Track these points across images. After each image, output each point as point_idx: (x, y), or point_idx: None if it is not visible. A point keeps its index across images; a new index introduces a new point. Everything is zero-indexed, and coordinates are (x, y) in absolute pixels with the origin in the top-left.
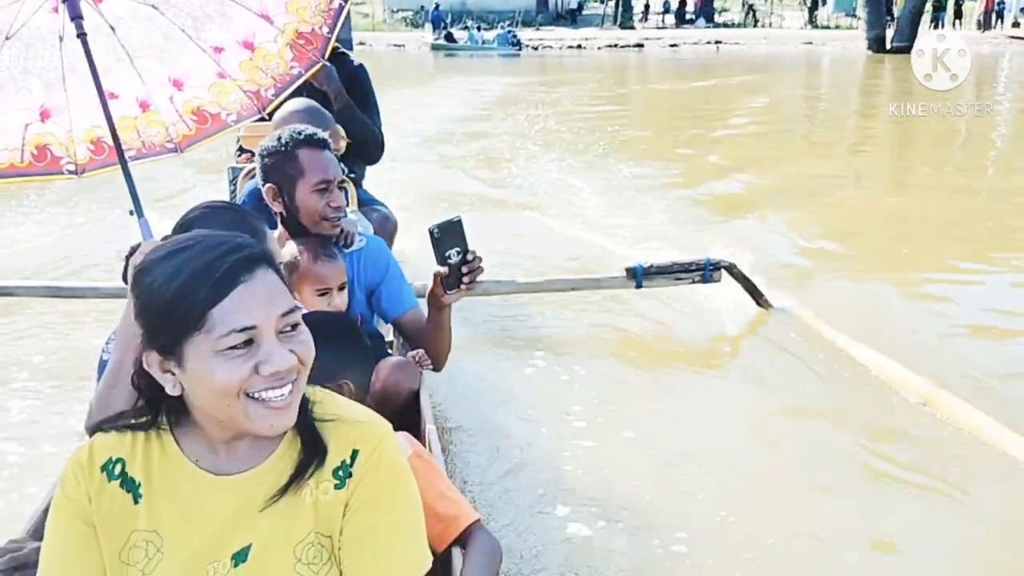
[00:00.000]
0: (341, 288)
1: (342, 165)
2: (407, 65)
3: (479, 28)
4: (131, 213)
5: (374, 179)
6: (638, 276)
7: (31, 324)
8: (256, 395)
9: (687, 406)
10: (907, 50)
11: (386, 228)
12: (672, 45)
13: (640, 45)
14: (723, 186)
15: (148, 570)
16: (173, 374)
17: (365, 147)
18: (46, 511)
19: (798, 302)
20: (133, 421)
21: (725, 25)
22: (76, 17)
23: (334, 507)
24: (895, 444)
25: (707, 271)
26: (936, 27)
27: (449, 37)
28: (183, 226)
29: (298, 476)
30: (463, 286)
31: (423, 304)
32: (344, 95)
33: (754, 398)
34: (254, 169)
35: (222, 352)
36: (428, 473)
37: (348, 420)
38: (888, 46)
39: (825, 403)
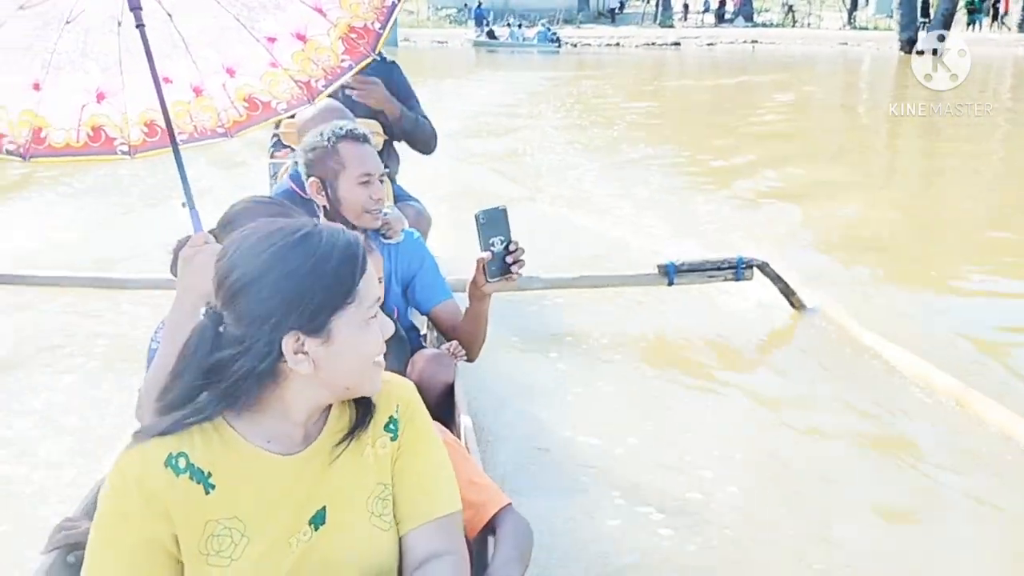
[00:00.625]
0: (379, 280)
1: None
2: (449, 60)
3: (520, 26)
4: (183, 205)
5: (406, 173)
6: (670, 273)
7: (76, 310)
8: (377, 360)
9: (716, 405)
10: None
11: (420, 223)
12: (709, 44)
13: (677, 44)
14: (752, 183)
15: (236, 555)
16: (307, 354)
17: (424, 144)
18: (98, 491)
19: (830, 302)
20: (191, 419)
21: (764, 25)
22: (135, 8)
23: (390, 456)
24: (928, 447)
25: (739, 269)
26: (973, 29)
27: (491, 34)
28: (227, 221)
29: (358, 426)
30: (506, 275)
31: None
32: (398, 106)
33: (783, 398)
34: (290, 165)
35: (368, 321)
36: (457, 460)
37: (385, 382)
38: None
39: (856, 405)
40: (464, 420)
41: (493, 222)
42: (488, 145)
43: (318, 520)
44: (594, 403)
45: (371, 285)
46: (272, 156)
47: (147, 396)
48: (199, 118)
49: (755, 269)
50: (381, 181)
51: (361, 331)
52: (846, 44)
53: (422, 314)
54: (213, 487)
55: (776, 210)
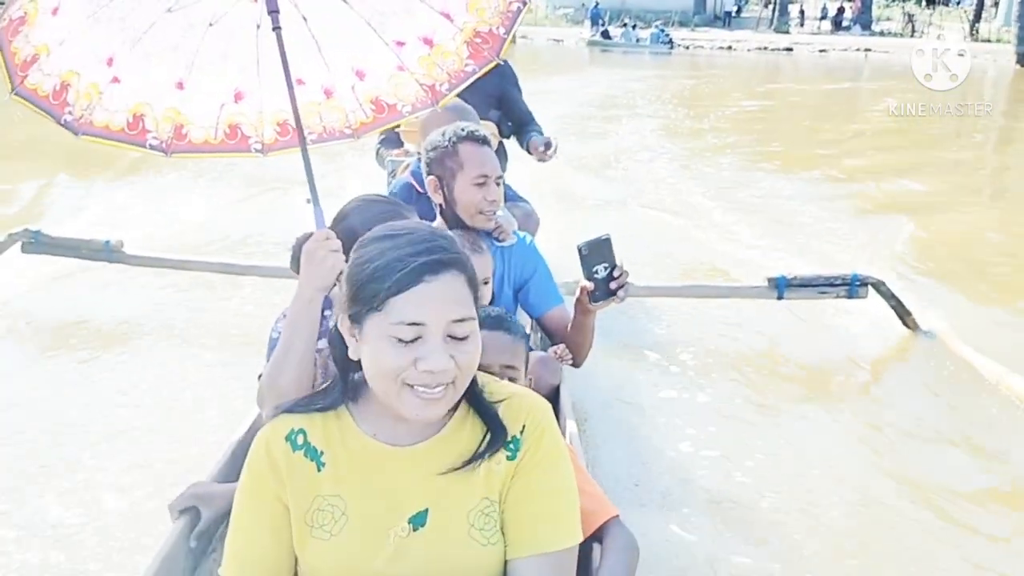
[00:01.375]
0: (485, 282)
1: None
2: (563, 57)
3: (635, 26)
4: (308, 202)
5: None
6: (780, 287)
7: (208, 295)
8: (411, 384)
9: (818, 428)
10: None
11: (529, 224)
12: (821, 50)
13: (789, 49)
14: (858, 193)
15: (335, 531)
16: (356, 340)
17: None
18: (226, 463)
19: (947, 326)
20: (318, 404)
21: (881, 34)
22: (272, 11)
23: (505, 475)
24: None
25: (853, 287)
26: None
27: (605, 34)
28: (341, 217)
29: (483, 454)
30: (611, 299)
31: (567, 301)
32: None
33: (892, 428)
34: (412, 162)
35: (391, 338)
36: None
37: (517, 397)
38: None
39: (970, 439)
40: (569, 425)
41: (596, 251)
42: (587, 143)
43: (418, 521)
44: (695, 417)
45: (408, 307)
46: (378, 153)
47: (267, 383)
48: (328, 119)
49: (870, 287)
50: (498, 184)
51: (383, 343)
52: (962, 55)
53: (532, 318)
54: (324, 465)
55: (889, 224)
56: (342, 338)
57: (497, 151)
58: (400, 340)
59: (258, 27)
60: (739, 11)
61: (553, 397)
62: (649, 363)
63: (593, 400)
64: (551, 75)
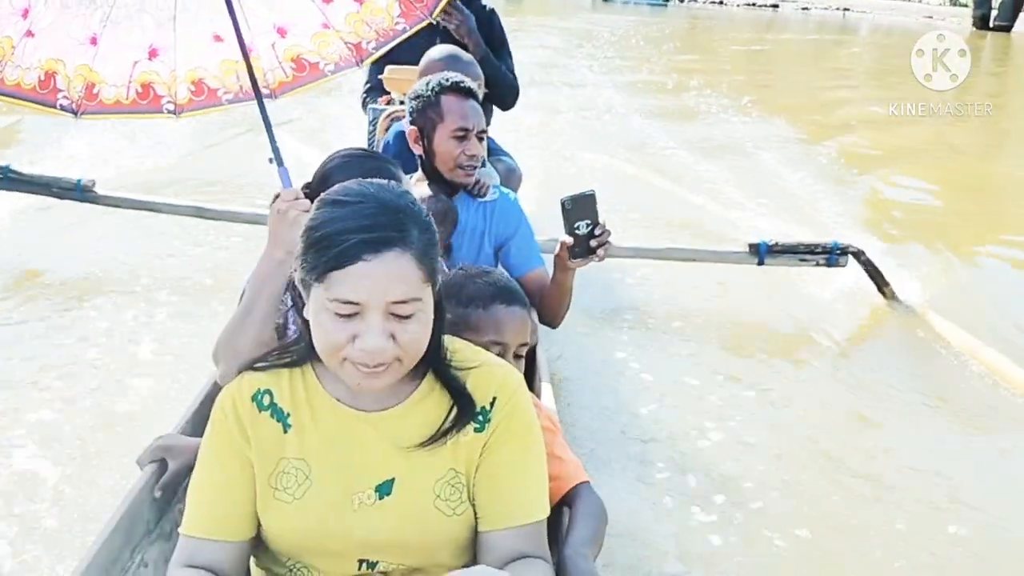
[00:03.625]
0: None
1: None
2: (568, 6)
3: None
4: (270, 161)
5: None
6: (761, 253)
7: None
8: (350, 359)
9: (791, 394)
10: (1006, 29)
11: (511, 180)
12: (804, 8)
13: (776, 6)
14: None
15: (299, 495)
16: (305, 302)
17: (500, 94)
18: (191, 416)
19: (925, 296)
20: (285, 360)
21: None
22: None
23: (472, 447)
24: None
25: (833, 255)
26: None
27: None
28: (322, 173)
29: (450, 431)
30: (590, 256)
31: (548, 261)
32: (482, 46)
33: (863, 392)
34: (395, 112)
35: (329, 312)
36: (543, 436)
37: (488, 366)
38: (991, 24)
39: (942, 410)
40: (545, 387)
41: (580, 207)
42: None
43: (384, 490)
44: (668, 379)
45: (346, 286)
46: (364, 103)
47: (224, 342)
48: (244, 77)
49: (850, 256)
50: (480, 139)
51: (323, 315)
52: (930, 18)
53: (512, 277)
54: (290, 427)
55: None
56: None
57: (482, 103)
58: (338, 315)
59: None
60: None
61: (529, 358)
62: (624, 326)
63: (567, 362)
64: (556, 19)
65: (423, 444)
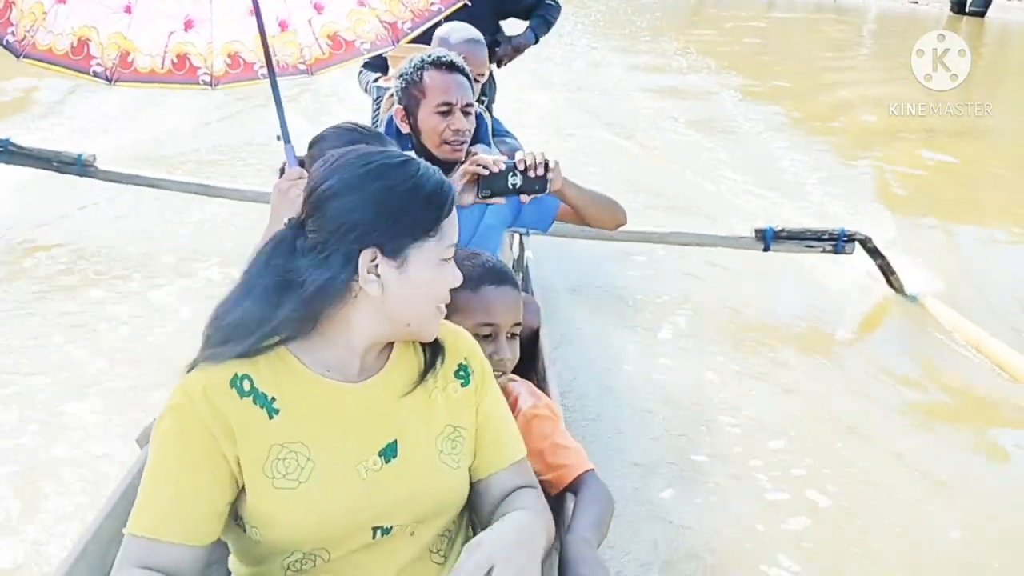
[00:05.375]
0: None
1: (481, 93)
2: None
3: None
4: (278, 138)
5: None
6: (767, 238)
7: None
8: (440, 305)
9: (794, 385)
10: (981, 14)
11: None
12: None
13: None
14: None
15: (303, 478)
16: (379, 276)
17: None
18: None
19: (933, 287)
20: (261, 342)
21: None
22: None
23: (465, 402)
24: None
25: (840, 242)
26: None
27: None
28: (313, 144)
29: (431, 367)
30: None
31: None
32: (525, 38)
33: (869, 385)
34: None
35: (441, 261)
36: (544, 424)
37: (450, 329)
38: (967, 10)
39: (948, 407)
40: (550, 373)
41: (490, 184)
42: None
43: (389, 453)
44: (669, 364)
45: (453, 228)
46: (360, 77)
47: (215, 319)
48: (282, 52)
49: (856, 244)
50: (466, 113)
51: (435, 269)
52: (916, 3)
53: (544, 230)
54: (277, 412)
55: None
56: (348, 273)
57: (488, 81)
58: (447, 261)
59: None
60: None
61: (533, 340)
62: (628, 311)
63: (569, 346)
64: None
65: (414, 387)
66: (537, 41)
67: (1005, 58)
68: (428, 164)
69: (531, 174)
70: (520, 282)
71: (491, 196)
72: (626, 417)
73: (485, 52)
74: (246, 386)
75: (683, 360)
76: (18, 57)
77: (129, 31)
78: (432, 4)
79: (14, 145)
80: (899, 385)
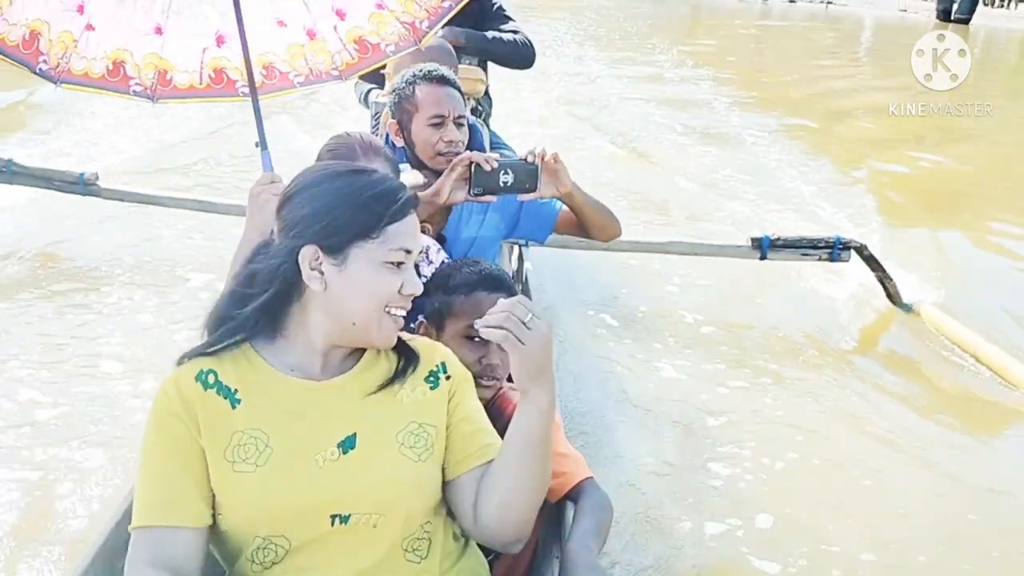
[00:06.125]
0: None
1: (475, 104)
2: None
3: None
4: (256, 145)
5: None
6: (764, 247)
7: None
8: (390, 310)
9: (794, 396)
10: (965, 21)
11: None
12: (791, 1)
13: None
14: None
15: (260, 462)
16: (322, 273)
17: (514, 60)
18: None
19: (930, 295)
20: (218, 345)
21: None
22: None
23: (434, 402)
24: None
25: (836, 250)
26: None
27: None
28: (319, 157)
29: (401, 374)
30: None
31: None
32: (463, 33)
33: (864, 396)
34: None
35: (385, 264)
36: None
37: (421, 340)
38: (952, 17)
39: (947, 416)
40: None
41: (479, 179)
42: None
43: (347, 444)
44: (665, 375)
45: (404, 235)
46: (356, 88)
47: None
48: (314, 61)
49: (852, 251)
50: (459, 125)
51: (376, 270)
52: (905, 11)
53: (541, 242)
54: (239, 402)
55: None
56: (291, 269)
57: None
58: (393, 265)
59: None
60: None
61: None
62: (626, 321)
63: (566, 355)
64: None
65: (380, 388)
66: (480, 49)
67: (993, 62)
68: (386, 175)
69: (529, 159)
70: (519, 292)
71: (483, 194)
72: (625, 426)
73: (455, 59)
74: (211, 379)
75: (682, 369)
76: (56, 84)
77: (163, 51)
78: (444, 1)
79: (17, 165)
80: (897, 394)
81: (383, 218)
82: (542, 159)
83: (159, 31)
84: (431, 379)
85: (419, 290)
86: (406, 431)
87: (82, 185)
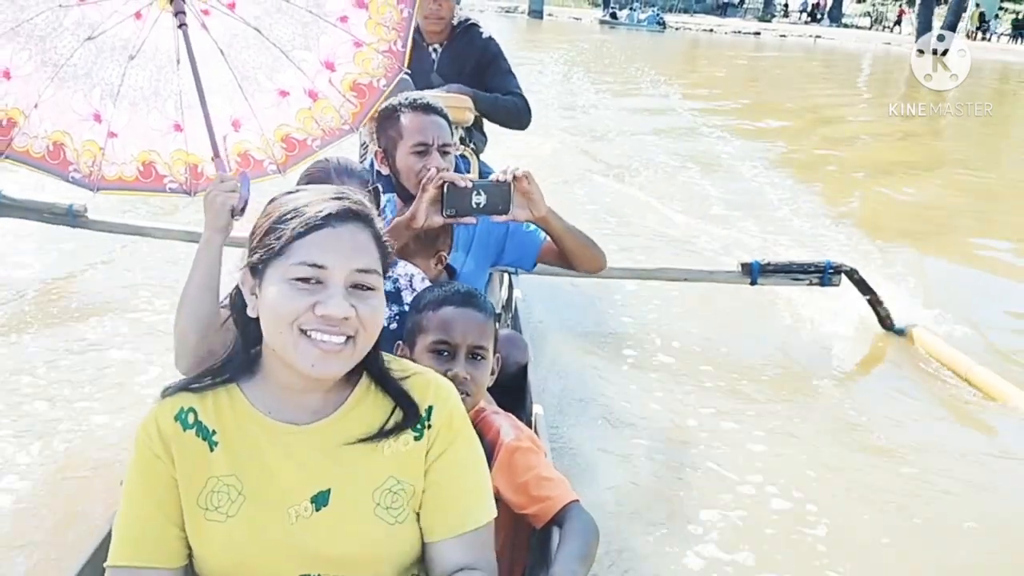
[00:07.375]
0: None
1: (463, 134)
2: (580, 30)
3: (634, 9)
4: (212, 159)
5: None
6: (754, 272)
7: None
8: (308, 332)
9: (782, 422)
10: (944, 52)
11: None
12: (781, 35)
13: (758, 33)
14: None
15: (232, 512)
16: (255, 295)
17: (512, 121)
18: None
19: (922, 318)
20: (208, 380)
21: (845, 25)
22: (179, 12)
23: (414, 456)
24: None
25: (827, 274)
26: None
27: (613, 15)
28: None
29: (393, 431)
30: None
31: None
32: (473, 93)
33: (857, 422)
34: None
35: (290, 280)
36: (528, 456)
37: (421, 375)
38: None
39: (939, 439)
40: (536, 408)
41: (452, 198)
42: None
43: (320, 501)
44: (656, 401)
45: (313, 250)
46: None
47: (176, 340)
48: (323, 120)
49: (843, 276)
50: (443, 153)
51: (281, 288)
52: (888, 44)
53: (529, 270)
54: (216, 444)
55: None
56: (243, 301)
57: (473, 126)
58: (299, 281)
59: (222, 52)
60: (742, 3)
61: (520, 376)
62: (615, 346)
63: (557, 381)
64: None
65: (362, 441)
66: (480, 105)
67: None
68: (321, 187)
69: (501, 178)
70: (509, 320)
71: (456, 216)
72: (612, 451)
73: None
74: (190, 419)
75: (670, 396)
76: (94, 192)
77: (188, 146)
78: (402, 11)
79: (5, 197)
80: (891, 419)
81: (286, 231)
82: (514, 178)
83: (179, 128)
84: (418, 428)
85: (342, 312)
86: (383, 488)
87: (70, 217)
